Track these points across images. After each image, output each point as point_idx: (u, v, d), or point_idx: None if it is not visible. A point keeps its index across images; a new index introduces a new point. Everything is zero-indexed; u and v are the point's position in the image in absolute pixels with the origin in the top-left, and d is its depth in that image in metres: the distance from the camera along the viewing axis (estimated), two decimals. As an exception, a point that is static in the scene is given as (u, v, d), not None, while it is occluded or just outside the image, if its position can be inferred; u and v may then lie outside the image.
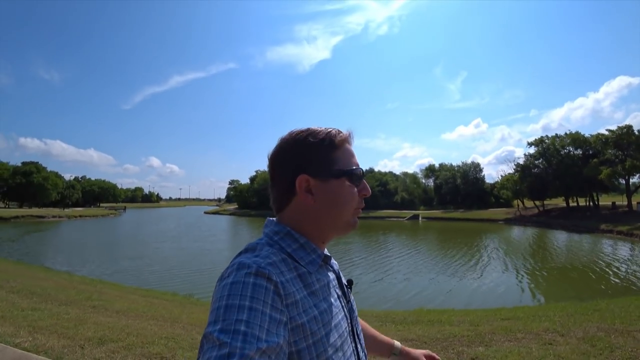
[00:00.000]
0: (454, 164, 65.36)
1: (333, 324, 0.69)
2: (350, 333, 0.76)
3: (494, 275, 14.38)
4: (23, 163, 71.05)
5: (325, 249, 0.81)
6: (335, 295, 0.76)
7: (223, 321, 0.53)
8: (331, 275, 0.79)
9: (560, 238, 29.19)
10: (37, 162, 71.40)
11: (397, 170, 74.61)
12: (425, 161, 76.49)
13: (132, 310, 6.76)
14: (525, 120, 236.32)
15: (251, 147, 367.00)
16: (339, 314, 0.73)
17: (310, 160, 0.74)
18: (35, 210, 59.70)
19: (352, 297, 0.84)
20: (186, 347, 4.44)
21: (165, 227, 41.70)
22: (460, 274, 14.79)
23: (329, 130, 0.77)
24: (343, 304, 0.77)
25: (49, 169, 73.56)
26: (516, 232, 34.61)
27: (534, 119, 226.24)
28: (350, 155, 0.78)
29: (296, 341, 0.61)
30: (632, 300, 7.29)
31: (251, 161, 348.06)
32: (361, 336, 0.82)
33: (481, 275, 14.42)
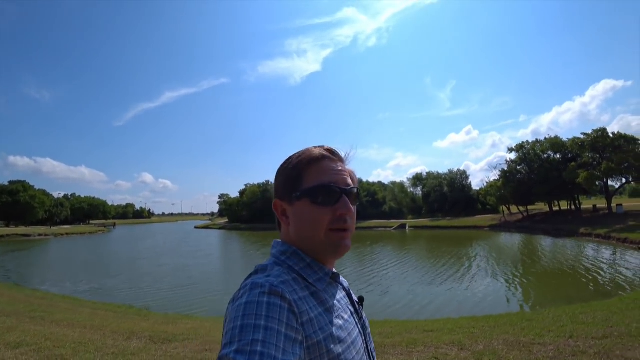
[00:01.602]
0: (441, 171, 66.01)
1: (350, 341, 0.69)
2: (366, 350, 0.76)
3: (472, 284, 14.26)
4: (10, 182, 70.57)
5: (334, 268, 0.81)
6: (349, 312, 0.76)
7: (239, 342, 0.52)
8: (342, 293, 0.80)
9: (539, 243, 29.52)
10: (24, 181, 71.00)
11: (391, 180, 74.93)
12: (419, 169, 77.19)
13: (68, 320, 6.90)
14: (515, 125, 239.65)
15: (245, 160, 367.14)
16: (354, 330, 0.73)
17: (280, 184, 0.78)
18: (21, 229, 59.06)
19: (364, 314, 0.84)
20: (92, 350, 4.63)
21: (151, 244, 41.40)
22: (439, 282, 14.78)
23: (305, 150, 0.79)
24: (356, 321, 0.77)
25: (40, 187, 73.64)
26: (499, 238, 34.88)
27: (523, 124, 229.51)
28: (322, 171, 0.76)
29: (312, 359, 0.61)
30: (578, 307, 7.34)
31: (245, 175, 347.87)
32: (374, 353, 0.82)
33: (461, 284, 14.33)
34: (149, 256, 28.03)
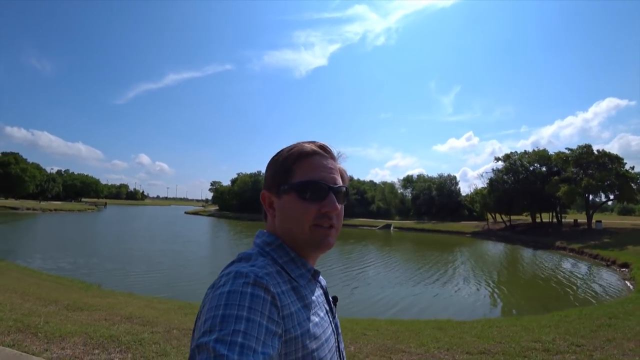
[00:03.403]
0: (430, 175, 66.47)
1: (324, 339, 0.69)
2: (337, 349, 0.76)
3: (439, 288, 14.50)
4: (3, 153, 70.57)
5: (315, 265, 0.82)
6: (325, 310, 0.77)
7: (219, 331, 0.52)
8: (320, 291, 0.80)
9: (512, 253, 30.07)
10: (17, 153, 71.03)
11: (389, 180, 75.14)
12: (417, 171, 77.48)
13: (5, 285, 7.29)
14: (516, 135, 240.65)
15: (243, 149, 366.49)
16: (328, 328, 0.73)
17: (269, 176, 0.79)
18: (10, 202, 59.35)
19: (336, 314, 0.85)
20: (5, 310, 5.05)
21: (137, 226, 41.74)
22: (415, 284, 15.13)
23: (296, 144, 0.80)
24: (330, 320, 0.77)
25: (35, 161, 73.66)
26: (476, 246, 35.37)
27: (524, 135, 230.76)
28: (312, 166, 0.76)
29: (287, 353, 0.60)
30: (502, 321, 7.60)
31: (241, 164, 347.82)
32: (344, 353, 0.82)
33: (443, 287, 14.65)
34: (129, 238, 28.31)
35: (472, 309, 11.63)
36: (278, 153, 0.80)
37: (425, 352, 4.49)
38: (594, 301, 12.94)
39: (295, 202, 0.73)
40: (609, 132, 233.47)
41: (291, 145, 0.80)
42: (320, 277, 0.84)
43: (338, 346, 0.77)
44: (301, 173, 0.75)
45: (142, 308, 6.20)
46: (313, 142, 0.80)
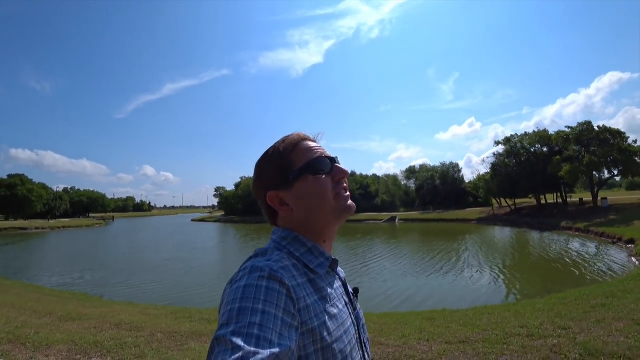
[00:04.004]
0: (433, 164, 66.20)
1: (343, 330, 0.69)
2: (358, 341, 0.76)
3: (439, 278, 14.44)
4: (9, 175, 71.58)
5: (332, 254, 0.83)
6: (344, 302, 0.77)
7: (236, 324, 0.53)
8: (338, 282, 0.81)
9: (517, 236, 29.81)
10: (23, 175, 71.97)
11: (393, 173, 74.83)
12: (421, 162, 76.88)
13: (3, 302, 7.46)
14: (518, 118, 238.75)
15: (245, 152, 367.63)
16: (347, 320, 0.73)
17: (270, 178, 0.80)
18: (18, 223, 60.28)
19: (358, 305, 0.85)
20: (1, 324, 5.19)
21: (143, 237, 42.06)
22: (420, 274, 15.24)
23: (279, 142, 0.82)
24: (350, 311, 0.78)
25: (41, 180, 74.59)
26: (482, 231, 35.21)
27: (526, 117, 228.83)
28: (307, 149, 0.80)
29: (305, 345, 0.61)
30: (500, 307, 7.37)
31: (245, 167, 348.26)
32: (368, 345, 0.83)
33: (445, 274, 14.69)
34: (134, 250, 28.47)
35: (475, 296, 11.50)
36: (265, 154, 0.82)
37: (403, 344, 4.51)
38: (600, 280, 12.74)
39: (312, 180, 0.77)
40: (613, 106, 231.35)
41: (277, 143, 0.82)
42: (339, 268, 0.86)
43: (360, 337, 0.78)
44: (300, 158, 0.78)
45: (135, 315, 6.32)
46: (293, 134, 0.84)
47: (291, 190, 0.78)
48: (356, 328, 0.77)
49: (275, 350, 0.51)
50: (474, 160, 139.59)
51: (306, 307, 0.64)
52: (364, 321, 0.85)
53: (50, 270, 18.22)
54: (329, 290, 0.74)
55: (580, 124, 37.32)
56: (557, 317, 5.41)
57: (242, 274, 0.63)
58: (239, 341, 0.50)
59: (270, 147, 0.82)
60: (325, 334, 0.64)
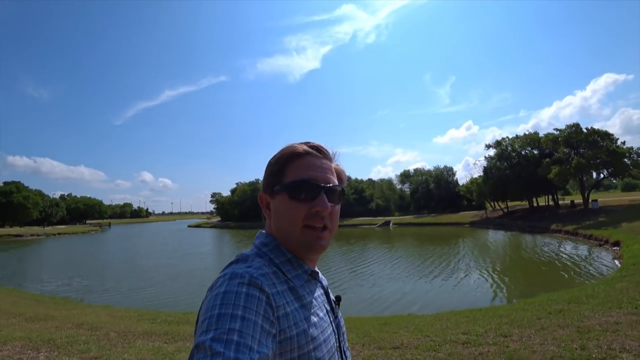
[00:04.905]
0: (427, 168, 66.56)
1: (322, 339, 0.69)
2: (338, 349, 0.75)
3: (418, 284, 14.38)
4: (4, 183, 71.81)
5: (316, 266, 0.82)
6: (325, 310, 0.76)
7: (215, 330, 0.53)
8: (320, 290, 0.80)
9: (508, 240, 29.99)
10: (19, 182, 72.14)
11: (390, 177, 74.78)
12: (419, 165, 77.16)
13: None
14: (515, 120, 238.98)
15: (244, 158, 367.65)
16: (327, 329, 0.73)
17: (265, 179, 0.80)
18: (14, 230, 60.29)
19: (339, 314, 0.84)
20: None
21: (137, 243, 42.16)
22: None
23: (289, 145, 0.80)
24: (331, 320, 0.77)
25: (39, 187, 75.02)
26: (473, 235, 35.37)
27: (523, 119, 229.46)
28: (302, 166, 0.76)
29: (282, 353, 0.61)
30: (470, 312, 7.42)
31: (243, 173, 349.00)
32: (348, 353, 0.82)
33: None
34: (126, 256, 28.47)
35: (459, 301, 11.26)
36: (273, 155, 0.81)
37: (408, 346, 4.48)
38: (586, 282, 12.58)
39: (287, 202, 0.73)
40: (609, 108, 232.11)
41: (285, 147, 0.80)
42: (322, 276, 0.84)
43: (340, 346, 0.77)
44: (293, 173, 0.75)
45: (101, 317, 6.57)
46: (307, 143, 0.80)
47: (273, 200, 0.77)
48: (336, 336, 0.76)
49: (255, 356, 0.52)
50: (472, 163, 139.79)
51: (285, 315, 0.64)
52: (344, 329, 0.84)
53: (38, 276, 18.41)
54: (310, 298, 0.73)
55: (568, 126, 37.66)
56: (507, 323, 5.39)
57: (222, 280, 0.63)
58: (218, 347, 0.50)
59: (284, 148, 0.80)
60: (304, 342, 0.64)
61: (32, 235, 55.71)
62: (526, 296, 10.66)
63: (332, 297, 0.85)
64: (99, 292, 14.06)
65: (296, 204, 0.73)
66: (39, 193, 78.32)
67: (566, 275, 14.55)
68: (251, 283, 0.61)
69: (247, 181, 78.12)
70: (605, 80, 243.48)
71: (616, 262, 16.48)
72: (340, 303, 0.87)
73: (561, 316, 5.58)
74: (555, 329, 4.84)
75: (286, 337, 0.62)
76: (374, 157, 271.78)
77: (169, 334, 4.95)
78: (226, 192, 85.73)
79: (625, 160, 35.04)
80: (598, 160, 35.09)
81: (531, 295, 10.51)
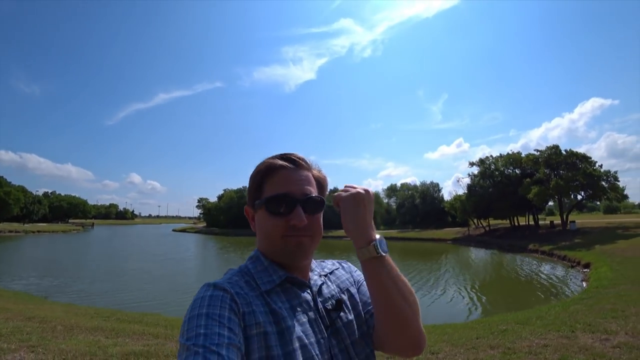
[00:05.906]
0: (413, 183, 67.30)
1: (297, 345, 0.68)
2: (334, 356, 0.74)
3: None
4: (-14, 178, 70.29)
5: (309, 273, 0.83)
6: (305, 318, 0.74)
7: (187, 331, 0.61)
8: (306, 297, 0.78)
9: (487, 258, 30.45)
10: (1, 177, 70.68)
11: (381, 190, 75.04)
12: (409, 180, 77.76)
13: None
14: (505, 140, 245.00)
15: (235, 165, 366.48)
16: (310, 336, 0.72)
17: (248, 194, 0.84)
18: (-8, 226, 58.88)
19: (345, 318, 0.80)
20: None
21: (117, 245, 41.45)
22: None
23: (266, 160, 0.81)
24: (317, 329, 0.74)
25: (24, 183, 73.26)
26: (455, 252, 35.64)
27: (513, 139, 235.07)
28: (277, 182, 0.77)
29: (250, 352, 0.64)
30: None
31: (232, 179, 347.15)
32: (353, 354, 0.77)
33: None
34: (103, 258, 28.03)
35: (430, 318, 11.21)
36: (253, 170, 0.83)
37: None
38: (553, 301, 12.74)
39: (266, 217, 0.77)
40: (595, 131, 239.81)
41: (261, 162, 0.82)
42: (315, 283, 0.83)
43: (331, 352, 0.74)
44: (270, 188, 0.77)
45: (56, 312, 6.66)
46: (282, 155, 0.81)
47: (256, 213, 0.81)
48: (327, 346, 0.74)
49: (224, 340, 0.59)
50: (457, 180, 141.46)
51: (252, 312, 0.68)
52: (345, 334, 0.78)
53: (9, 273, 18.11)
54: (285, 304, 0.74)
55: (548, 148, 38.68)
56: (446, 341, 5.45)
57: (197, 292, 0.70)
58: (190, 342, 0.59)
59: (258, 164, 0.82)
60: (272, 343, 0.66)
61: (10, 232, 54.60)
62: (490, 314, 10.81)
63: (324, 305, 0.79)
64: (67, 292, 13.92)
65: (274, 218, 0.76)
66: (22, 189, 76.85)
67: (542, 296, 14.64)
68: (216, 287, 0.69)
69: (235, 188, 77.85)
70: (592, 104, 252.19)
71: (584, 284, 16.46)
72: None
73: (500, 336, 5.61)
74: (486, 349, 4.91)
75: (252, 334, 0.66)
76: (365, 170, 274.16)
77: (115, 330, 5.10)
78: (214, 198, 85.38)
79: (603, 183, 36.02)
80: (576, 182, 35.99)
81: (495, 313, 10.63)
